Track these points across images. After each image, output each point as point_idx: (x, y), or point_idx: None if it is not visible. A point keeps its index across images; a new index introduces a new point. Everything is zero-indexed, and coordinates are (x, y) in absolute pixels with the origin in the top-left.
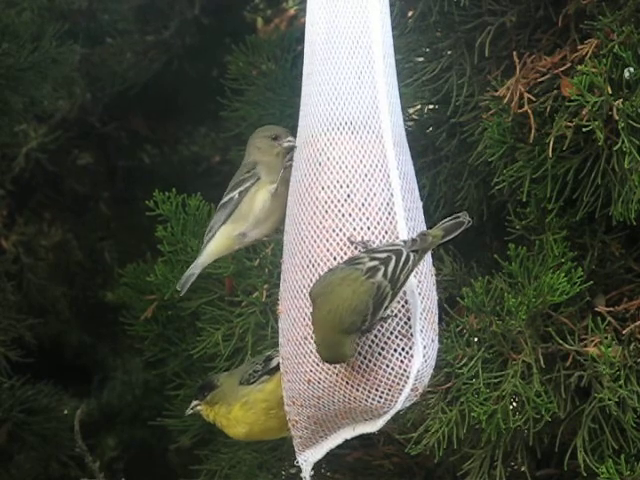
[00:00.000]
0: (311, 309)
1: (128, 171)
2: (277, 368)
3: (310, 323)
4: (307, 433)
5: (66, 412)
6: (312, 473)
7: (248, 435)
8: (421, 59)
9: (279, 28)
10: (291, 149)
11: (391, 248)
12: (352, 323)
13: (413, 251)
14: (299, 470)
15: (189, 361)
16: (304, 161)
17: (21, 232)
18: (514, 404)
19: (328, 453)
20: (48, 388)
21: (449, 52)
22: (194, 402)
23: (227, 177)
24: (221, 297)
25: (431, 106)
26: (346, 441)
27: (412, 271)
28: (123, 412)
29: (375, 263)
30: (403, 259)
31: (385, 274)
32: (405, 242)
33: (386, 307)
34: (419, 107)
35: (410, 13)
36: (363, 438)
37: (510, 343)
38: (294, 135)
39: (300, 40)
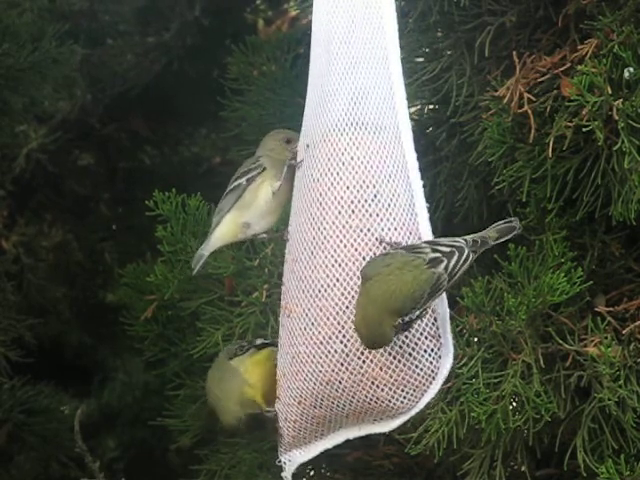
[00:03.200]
0: (336, 308)
1: (128, 172)
2: (263, 346)
3: (335, 323)
4: (303, 433)
5: (66, 412)
6: (312, 473)
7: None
8: (421, 59)
9: (280, 30)
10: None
11: (454, 243)
12: (404, 307)
13: (472, 251)
14: (300, 470)
15: (189, 361)
16: (322, 160)
17: (21, 233)
18: (514, 404)
19: (328, 453)
20: (48, 389)
21: (449, 52)
22: None
23: (228, 178)
24: (221, 297)
25: (431, 106)
26: (346, 441)
27: (466, 270)
28: (123, 412)
29: (438, 255)
30: (464, 257)
31: (446, 267)
32: (466, 240)
33: (434, 300)
34: (419, 107)
35: (410, 13)
36: (364, 438)
37: (510, 343)
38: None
39: (301, 41)
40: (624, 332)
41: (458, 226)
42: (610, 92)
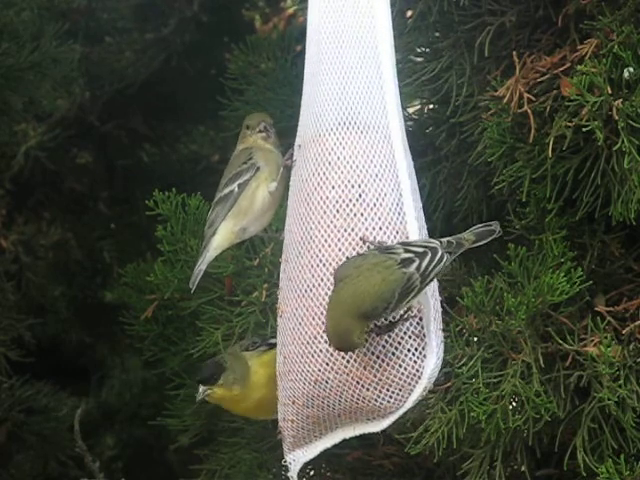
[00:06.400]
0: (321, 308)
1: (127, 170)
2: (274, 345)
3: (320, 322)
4: (302, 433)
5: (63, 413)
6: (312, 473)
7: (257, 405)
8: (421, 59)
9: (278, 27)
10: (265, 138)
11: (428, 244)
12: (374, 309)
13: (447, 252)
14: (300, 470)
15: (189, 361)
16: (311, 160)
17: (20, 231)
18: (514, 404)
19: (328, 453)
20: (47, 388)
21: (449, 52)
22: (204, 388)
23: None
24: (221, 297)
25: (431, 106)
26: (346, 441)
27: (441, 271)
28: (122, 411)
29: (410, 255)
30: (437, 257)
31: (418, 267)
32: (441, 242)
33: (409, 300)
34: (419, 107)
35: (409, 13)
36: (363, 438)
37: (510, 343)
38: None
39: (300, 39)
40: (624, 332)
41: (458, 226)
42: (610, 92)
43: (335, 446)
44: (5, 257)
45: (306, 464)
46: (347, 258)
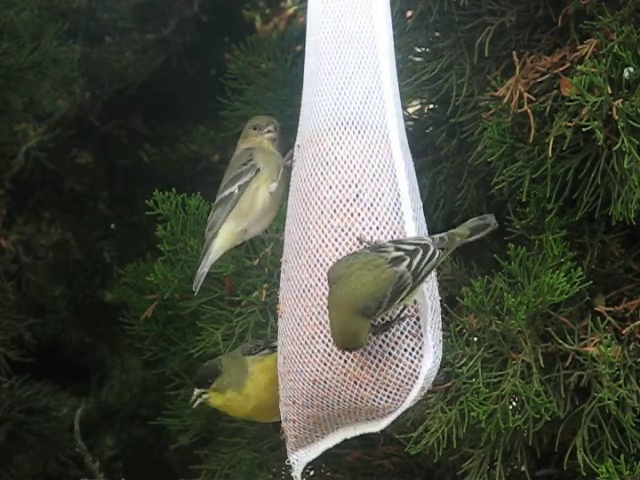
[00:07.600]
0: (319, 308)
1: (127, 170)
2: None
3: (317, 322)
4: (304, 433)
5: (63, 413)
6: (312, 473)
7: (253, 410)
8: (421, 59)
9: (278, 27)
10: (273, 140)
11: (419, 242)
12: (366, 307)
13: (439, 248)
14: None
15: (189, 361)
16: (309, 160)
17: (20, 231)
18: (514, 404)
19: (328, 453)
20: (47, 388)
21: (449, 52)
22: (199, 391)
23: None
24: (221, 297)
25: (431, 106)
26: (346, 441)
27: (434, 268)
28: (122, 411)
29: (400, 253)
30: (429, 254)
31: (409, 265)
32: (433, 238)
33: (402, 299)
34: (419, 107)
35: (409, 13)
36: (363, 438)
37: (510, 343)
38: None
39: (300, 39)
40: (624, 332)
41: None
42: (610, 92)
43: (335, 446)
44: (5, 257)
45: (306, 464)
46: (339, 259)
